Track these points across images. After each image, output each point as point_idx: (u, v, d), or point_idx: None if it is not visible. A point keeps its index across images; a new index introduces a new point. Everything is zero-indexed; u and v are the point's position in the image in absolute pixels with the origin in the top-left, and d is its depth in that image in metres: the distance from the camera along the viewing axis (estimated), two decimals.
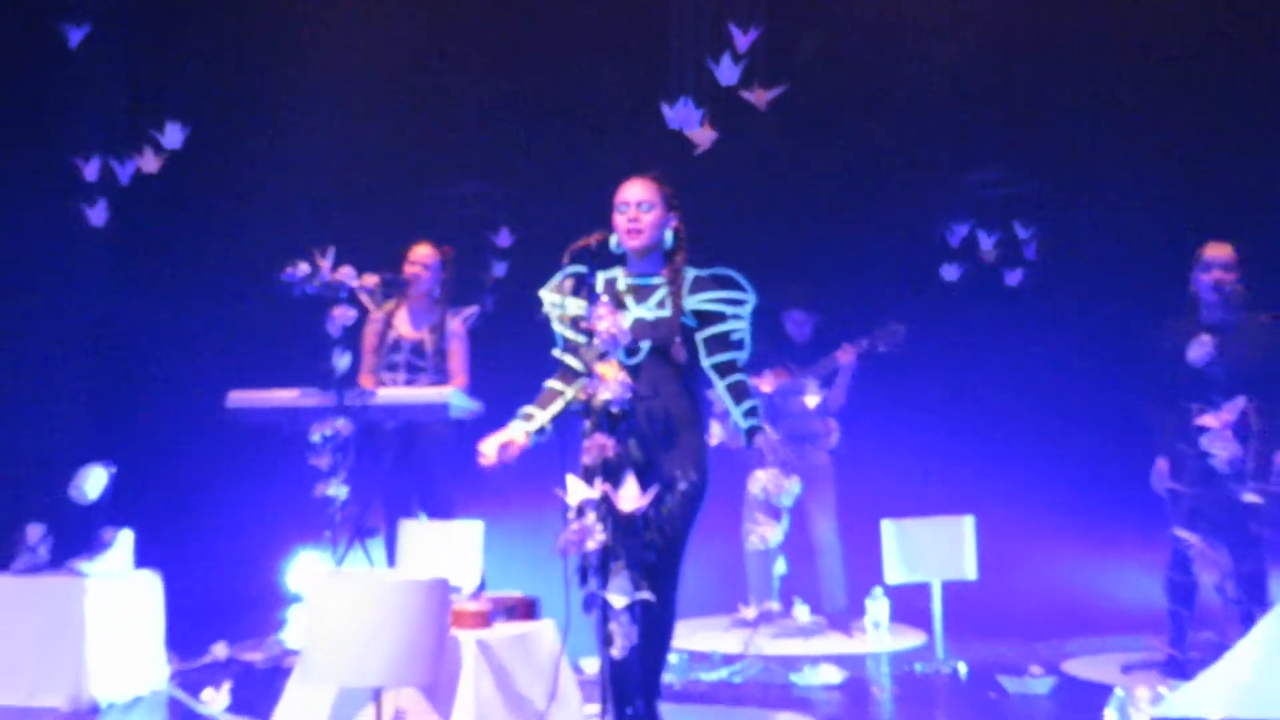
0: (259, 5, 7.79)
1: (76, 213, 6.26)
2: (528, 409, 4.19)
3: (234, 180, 7.56)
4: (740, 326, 4.12)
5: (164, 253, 7.46)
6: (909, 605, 6.44)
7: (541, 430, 4.18)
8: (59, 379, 7.07)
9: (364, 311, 6.08)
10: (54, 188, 6.23)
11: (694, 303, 4.06)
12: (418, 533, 5.27)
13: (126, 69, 7.35)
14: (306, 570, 6.43)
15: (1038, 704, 5.16)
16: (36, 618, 5.10)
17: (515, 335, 5.40)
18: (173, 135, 6.17)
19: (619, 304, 4.03)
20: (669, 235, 4.16)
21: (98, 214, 6.21)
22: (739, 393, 4.11)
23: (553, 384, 4.21)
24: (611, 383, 3.90)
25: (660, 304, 4.06)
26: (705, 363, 4.08)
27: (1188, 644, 5.50)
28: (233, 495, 7.29)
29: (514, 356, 5.55)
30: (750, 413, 4.13)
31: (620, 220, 4.10)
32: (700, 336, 4.07)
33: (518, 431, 4.15)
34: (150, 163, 6.22)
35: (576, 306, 4.06)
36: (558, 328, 4.17)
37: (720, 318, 4.08)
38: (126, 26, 7.35)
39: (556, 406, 4.18)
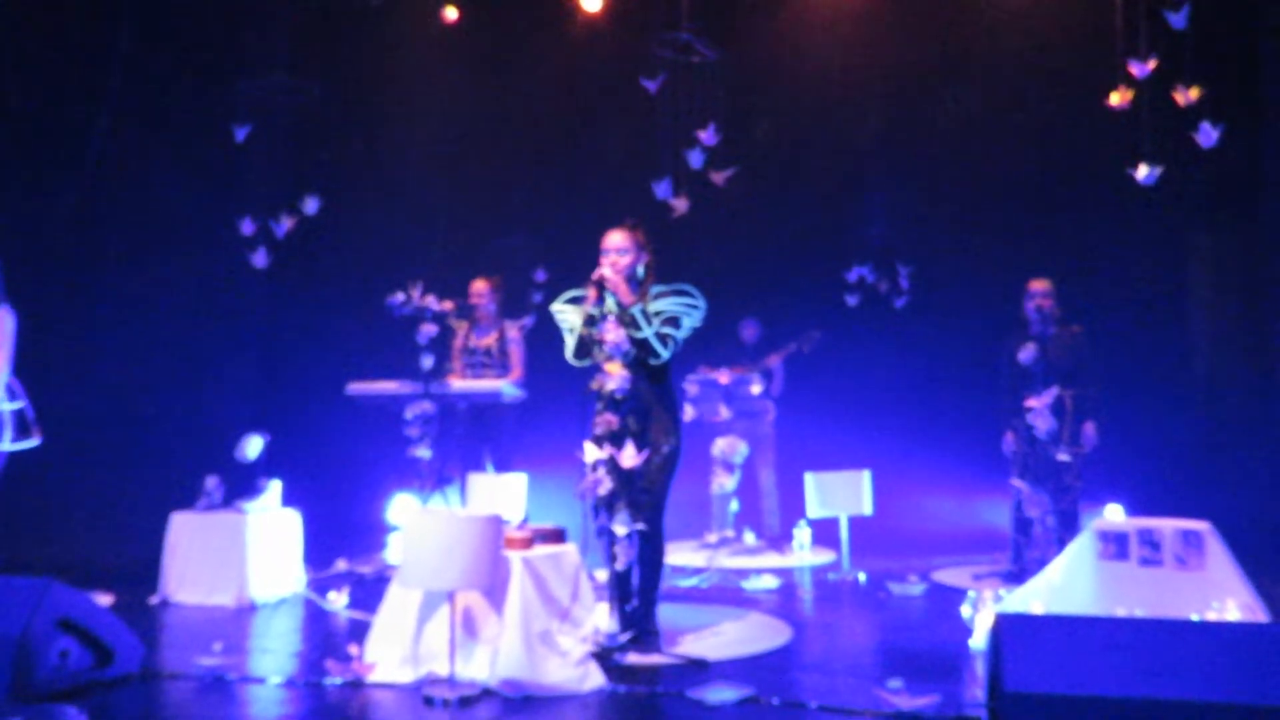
0: (367, 110, 7.84)
1: (244, 258, 6.29)
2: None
3: (352, 234, 7.56)
4: (679, 312, 3.97)
5: (305, 285, 7.46)
6: (825, 533, 6.44)
7: None
8: (230, 373, 7.08)
9: (450, 328, 6.11)
10: (232, 240, 6.27)
11: (655, 306, 4.01)
12: (481, 482, 5.28)
13: (282, 154, 7.36)
14: (402, 508, 6.39)
15: (915, 602, 5.17)
16: (212, 542, 5.12)
17: (548, 345, 5.41)
18: (310, 205, 6.20)
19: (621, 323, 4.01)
20: (640, 269, 4.10)
21: (259, 258, 6.22)
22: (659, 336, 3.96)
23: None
24: (616, 376, 3.94)
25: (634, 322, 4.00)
26: (648, 330, 3.93)
27: (1024, 561, 5.52)
28: (351, 455, 7.29)
29: (548, 359, 5.56)
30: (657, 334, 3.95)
31: (605, 263, 4.05)
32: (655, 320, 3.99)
33: None
34: (287, 224, 6.24)
35: (575, 315, 4.05)
36: (568, 336, 4.12)
37: (667, 310, 4.00)
38: (283, 126, 7.40)
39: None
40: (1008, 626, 2.81)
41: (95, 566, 5.56)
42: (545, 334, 5.70)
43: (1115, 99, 5.17)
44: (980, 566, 5.91)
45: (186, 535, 5.15)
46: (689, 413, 6.26)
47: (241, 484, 5.32)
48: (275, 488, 5.39)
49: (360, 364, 6.35)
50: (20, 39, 6.31)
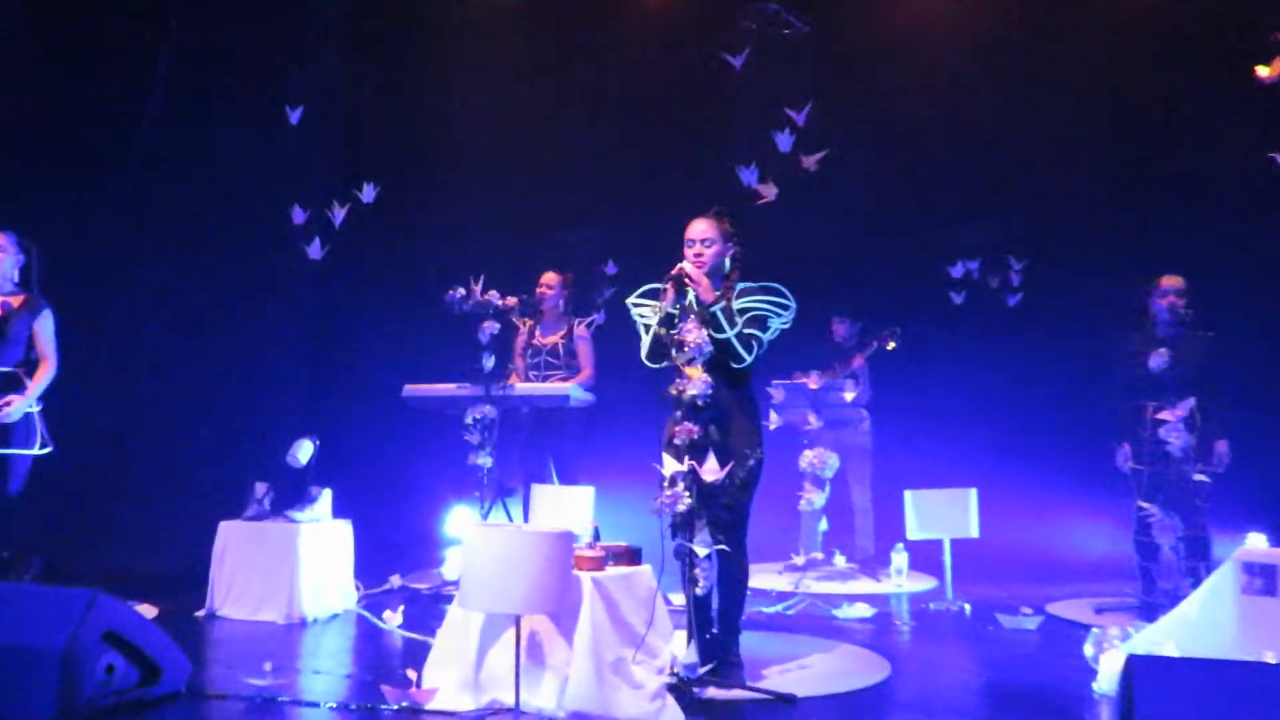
0: (429, 94, 7.93)
1: (296, 251, 6.40)
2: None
3: (410, 225, 7.65)
4: (766, 311, 3.95)
5: (360, 279, 7.56)
6: (925, 557, 6.34)
7: None
8: (279, 373, 7.19)
9: (513, 326, 6.15)
10: (284, 232, 6.39)
11: (739, 304, 3.98)
12: (546, 494, 5.29)
13: (338, 140, 7.50)
14: (460, 521, 6.45)
15: (1028, 637, 5.04)
16: (261, 553, 5.21)
17: (620, 344, 5.41)
18: (368, 193, 6.31)
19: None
20: (727, 261, 4.08)
21: (314, 250, 6.35)
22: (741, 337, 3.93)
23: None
24: (696, 381, 3.90)
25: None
26: (730, 331, 3.91)
27: (1156, 592, 5.34)
28: (406, 463, 7.36)
29: (619, 360, 5.55)
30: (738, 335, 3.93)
31: (688, 254, 4.03)
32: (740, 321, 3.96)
33: None
34: (342, 214, 6.34)
35: (652, 313, 4.03)
36: (643, 335, 4.11)
37: (753, 310, 3.97)
38: (339, 110, 7.54)
39: None
40: (1141, 670, 2.71)
41: (139, 576, 5.71)
42: (617, 332, 5.71)
43: (1264, 72, 4.96)
44: (1103, 598, 5.75)
45: (234, 545, 5.26)
46: (773, 421, 6.20)
47: (291, 491, 5.40)
48: (326, 496, 5.46)
49: (416, 364, 6.42)
50: (63, 26, 6.52)
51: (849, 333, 6.94)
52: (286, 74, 7.06)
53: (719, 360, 3.96)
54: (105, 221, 6.57)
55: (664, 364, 4.05)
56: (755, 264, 4.19)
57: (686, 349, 3.92)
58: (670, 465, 3.88)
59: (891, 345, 6.62)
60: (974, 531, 5.79)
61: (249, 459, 5.95)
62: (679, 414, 3.93)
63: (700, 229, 4.07)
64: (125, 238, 6.65)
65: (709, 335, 3.93)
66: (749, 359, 3.97)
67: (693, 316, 3.98)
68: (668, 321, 4.02)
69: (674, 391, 3.94)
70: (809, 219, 7.24)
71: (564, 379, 5.98)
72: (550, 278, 6.20)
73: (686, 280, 3.98)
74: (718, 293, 4.01)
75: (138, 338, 6.75)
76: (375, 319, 7.54)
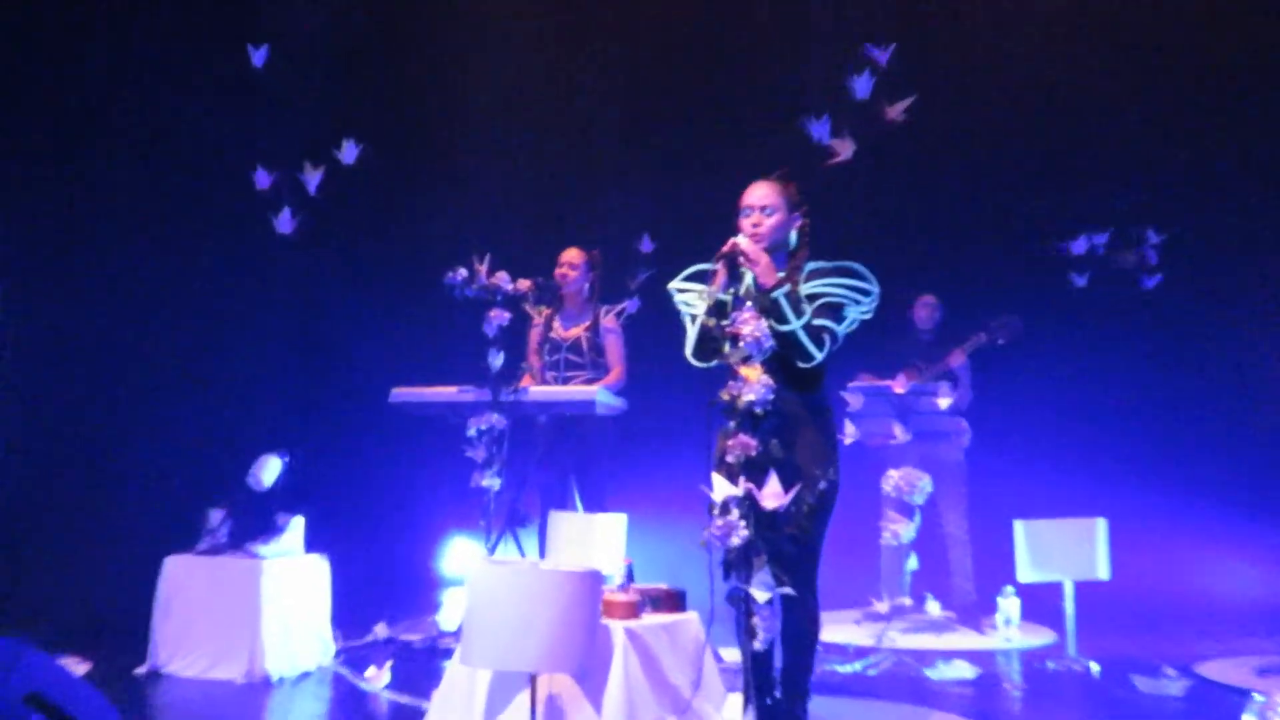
0: (426, 36, 7.96)
1: (263, 225, 6.42)
2: None
3: (404, 195, 7.70)
4: (841, 298, 3.91)
5: (339, 258, 7.60)
6: (1040, 603, 6.27)
7: None
8: (241, 375, 7.23)
9: (527, 315, 6.14)
10: (248, 203, 6.41)
11: (808, 289, 3.94)
12: (566, 524, 5.26)
13: (318, 88, 7.52)
14: (462, 556, 6.46)
15: (1172, 706, 4.94)
16: (216, 596, 5.22)
17: (658, 337, 5.37)
18: (348, 152, 6.32)
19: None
20: (793, 236, 4.05)
21: (283, 223, 6.36)
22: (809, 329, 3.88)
23: None
24: (754, 383, 3.86)
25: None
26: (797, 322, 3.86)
27: None
28: (395, 485, 7.40)
29: (658, 358, 5.51)
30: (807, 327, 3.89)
31: (744, 224, 4.01)
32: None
33: None
34: (315, 177, 6.36)
35: (699, 299, 4.01)
36: (689, 327, 4.08)
37: (825, 295, 3.92)
38: (316, 53, 7.56)
39: None
40: None
41: (66, 622, 5.73)
42: (654, 323, 5.69)
43: None
44: (1267, 656, 5.66)
45: (183, 586, 5.27)
46: (849, 433, 6.17)
47: (254, 520, 5.42)
48: (297, 526, 5.48)
49: (409, 363, 6.44)
50: None
51: (931, 320, 6.92)
52: (251, 5, 7.10)
53: (783, 358, 3.92)
54: (31, 196, 6.62)
55: (714, 363, 4.02)
56: (827, 238, 4.15)
57: (742, 344, 3.88)
58: (722, 488, 3.83)
59: (1001, 341, 6.54)
60: (1103, 572, 5.72)
61: (201, 479, 5.97)
62: (732, 425, 3.90)
63: (760, 194, 4.04)
64: (51, 211, 6.70)
65: (770, 327, 3.89)
66: (820, 356, 3.92)
67: (750, 304, 3.94)
68: (719, 310, 3.98)
69: (726, 397, 3.90)
70: (893, 183, 7.23)
71: (589, 381, 5.97)
72: (573, 255, 6.19)
73: (742, 259, 3.94)
74: (781, 274, 3.97)
75: (66, 334, 6.80)
76: (358, 307, 7.57)
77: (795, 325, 3.88)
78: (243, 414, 7.05)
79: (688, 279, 4.13)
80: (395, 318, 7.41)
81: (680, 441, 4.71)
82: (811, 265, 4.02)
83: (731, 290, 3.98)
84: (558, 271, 6.14)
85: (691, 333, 4.05)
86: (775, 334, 3.89)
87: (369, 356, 7.14)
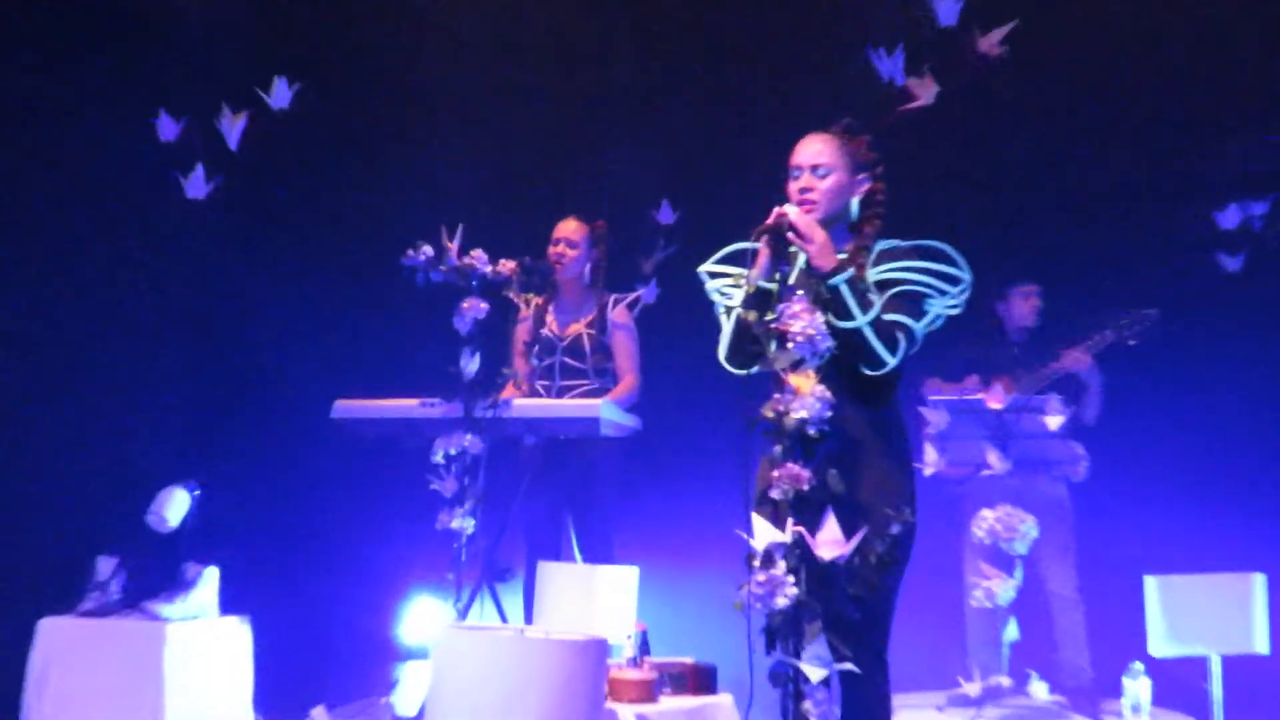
0: None
1: (169, 187, 6.42)
2: None
3: (352, 152, 7.69)
4: (920, 286, 3.95)
5: (269, 235, 7.61)
6: (1178, 684, 6.26)
7: None
8: (140, 386, 7.23)
9: (511, 306, 6.14)
10: (149, 160, 6.42)
11: (877, 274, 3.97)
12: (561, 577, 5.25)
13: (242, 15, 7.52)
14: (424, 620, 6.44)
15: None
16: (107, 667, 5.23)
17: (681, 335, 5.36)
18: (280, 94, 6.31)
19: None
20: (854, 204, 4.08)
21: (195, 185, 6.36)
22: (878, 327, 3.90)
23: None
24: (807, 396, 3.86)
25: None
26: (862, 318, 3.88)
27: None
28: (338, 526, 7.38)
29: (680, 358, 5.51)
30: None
31: (792, 188, 4.04)
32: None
33: None
34: (237, 126, 6.35)
35: (736, 286, 4.05)
36: (724, 322, 4.13)
37: (900, 282, 3.95)
38: None
39: None
40: None
41: None
42: (677, 316, 5.70)
43: None
44: None
45: (64, 656, 5.27)
46: (930, 461, 6.15)
47: (155, 572, 5.43)
48: (210, 579, 5.49)
49: (356, 369, 6.44)
50: None
51: (1033, 316, 6.94)
52: None
53: (844, 363, 3.92)
54: None
55: (755, 369, 4.01)
56: (900, 210, 4.16)
57: (791, 345, 3.87)
58: (765, 532, 3.84)
59: (1132, 341, 6.54)
60: (1260, 644, 5.73)
61: (86, 519, 5.97)
62: (779, 450, 3.89)
63: (814, 151, 4.06)
64: None
65: (828, 323, 3.88)
66: (893, 361, 3.93)
67: (802, 293, 3.93)
68: (761, 301, 3.97)
69: (771, 414, 3.90)
70: (986, 135, 7.19)
71: (592, 392, 6.00)
72: (570, 229, 6.23)
73: (791, 234, 3.93)
74: (843, 254, 3.98)
75: None
76: (292, 295, 7.57)
77: (861, 321, 3.88)
78: (143, 437, 7.05)
79: (722, 261, 4.15)
80: (339, 310, 7.43)
81: (710, 472, 4.72)
82: (883, 244, 4.04)
83: (778, 275, 3.99)
84: (552, 250, 6.20)
85: (727, 330, 4.09)
86: (835, 332, 3.89)
87: (305, 360, 7.16)
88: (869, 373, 3.94)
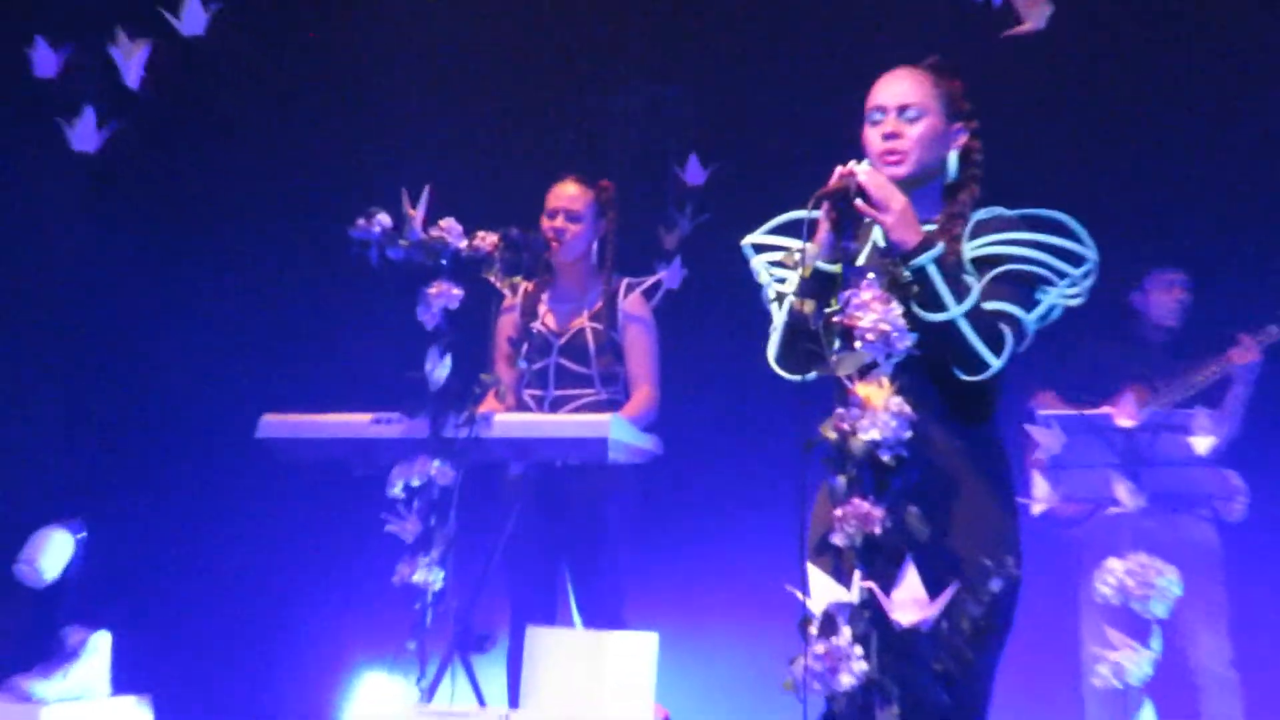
0: None
1: (53, 138, 6.43)
2: None
3: (288, 92, 7.75)
4: (1033, 267, 3.96)
5: (178, 205, 7.64)
6: None
7: None
8: (12, 399, 7.26)
9: (492, 297, 6.12)
10: (30, 95, 6.46)
11: (975, 249, 3.97)
12: (556, 646, 5.26)
13: None
14: (377, 700, 6.46)
15: None
16: None
17: (716, 326, 5.35)
18: (191, 18, 6.30)
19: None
20: (953, 159, 4.08)
21: (83, 136, 6.36)
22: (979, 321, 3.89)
23: None
24: (880, 411, 3.84)
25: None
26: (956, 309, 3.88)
27: None
28: (266, 579, 7.41)
29: (713, 361, 5.49)
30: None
31: (872, 136, 4.04)
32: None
33: None
34: (136, 59, 6.35)
35: (790, 265, 4.02)
36: (774, 312, 4.13)
37: (1003, 260, 3.96)
38: None
39: None
40: None
41: None
42: (708, 305, 5.69)
43: None
44: None
45: None
46: (1040, 496, 6.14)
47: (28, 638, 5.42)
48: (99, 649, 5.47)
49: (290, 375, 6.44)
50: None
51: (1179, 311, 6.97)
52: None
53: (931, 367, 3.92)
54: None
55: (813, 374, 4.02)
56: (1000, 173, 4.17)
57: (860, 344, 3.86)
58: (825, 589, 3.83)
59: None
60: None
61: None
62: (843, 481, 3.88)
63: (902, 89, 4.06)
64: None
65: (908, 315, 3.87)
66: (997, 363, 3.91)
67: (873, 275, 3.92)
68: (821, 287, 3.97)
69: (833, 434, 3.89)
70: (1111, 78, 7.20)
71: (598, 404, 6.02)
72: (570, 193, 6.24)
73: (860, 200, 3.92)
74: (931, 226, 3.99)
75: None
76: (208, 280, 7.58)
77: (955, 311, 3.85)
78: (16, 467, 7.08)
79: (773, 232, 4.15)
80: (268, 299, 7.44)
81: (751, 510, 4.69)
82: (981, 214, 4.04)
83: (843, 251, 3.97)
84: (545, 221, 6.18)
85: (778, 323, 4.07)
86: (918, 327, 3.87)
87: (224, 364, 7.17)
88: (964, 379, 3.93)
